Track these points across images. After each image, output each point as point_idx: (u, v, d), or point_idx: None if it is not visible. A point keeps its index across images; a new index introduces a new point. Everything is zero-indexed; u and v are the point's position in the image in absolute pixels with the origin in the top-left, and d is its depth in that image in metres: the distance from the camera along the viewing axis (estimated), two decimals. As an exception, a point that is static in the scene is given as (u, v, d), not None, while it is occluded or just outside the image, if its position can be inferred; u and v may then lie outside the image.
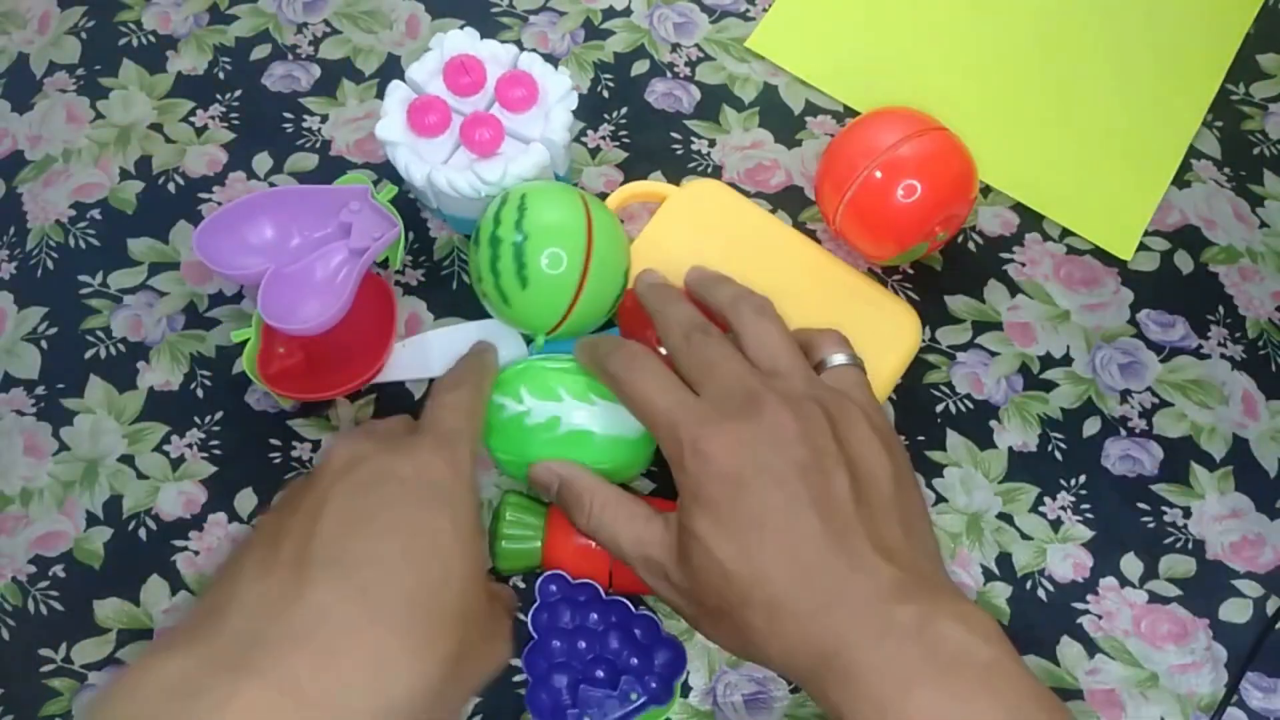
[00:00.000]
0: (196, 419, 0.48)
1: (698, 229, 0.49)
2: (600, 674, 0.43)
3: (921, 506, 0.38)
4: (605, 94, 0.55)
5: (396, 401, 0.48)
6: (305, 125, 0.54)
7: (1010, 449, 0.49)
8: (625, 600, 0.44)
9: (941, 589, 0.35)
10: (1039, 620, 0.46)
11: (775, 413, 0.36)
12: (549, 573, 0.43)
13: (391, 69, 0.55)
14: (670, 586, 0.37)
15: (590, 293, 0.44)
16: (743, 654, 0.37)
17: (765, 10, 0.57)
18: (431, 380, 0.48)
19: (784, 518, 0.34)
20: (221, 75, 0.55)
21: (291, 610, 0.30)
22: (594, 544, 0.42)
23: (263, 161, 0.53)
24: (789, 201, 0.52)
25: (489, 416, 0.42)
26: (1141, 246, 0.52)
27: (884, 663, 0.32)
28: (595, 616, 0.43)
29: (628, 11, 0.56)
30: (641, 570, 0.38)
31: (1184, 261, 0.52)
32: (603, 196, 0.51)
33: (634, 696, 0.42)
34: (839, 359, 0.41)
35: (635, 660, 0.43)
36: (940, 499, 0.48)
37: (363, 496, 0.34)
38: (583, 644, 0.43)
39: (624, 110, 0.54)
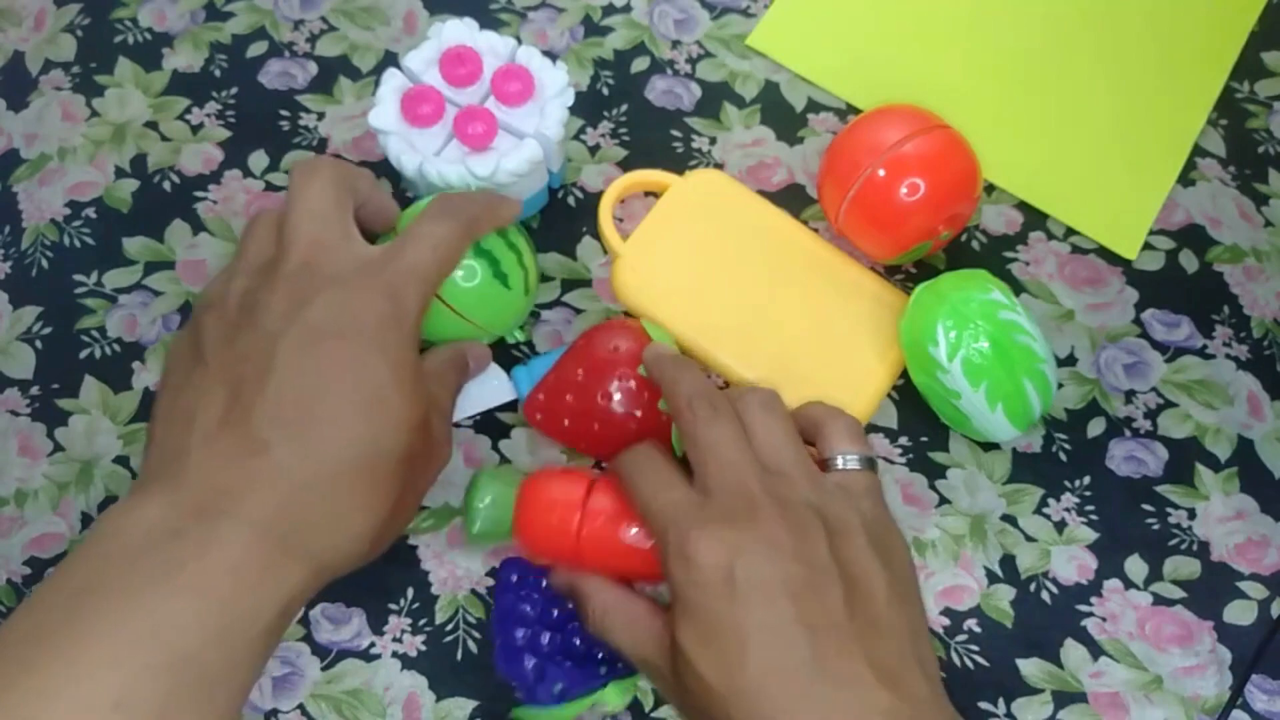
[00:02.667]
0: (192, 419, 0.48)
1: (699, 220, 0.49)
2: (569, 664, 0.42)
3: (921, 623, 0.36)
4: (605, 91, 0.54)
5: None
6: (302, 123, 0.53)
7: (1014, 450, 0.48)
8: None
9: (942, 715, 0.34)
10: (1043, 622, 0.46)
11: (770, 522, 0.34)
12: (511, 557, 0.43)
13: (389, 66, 0.54)
14: (666, 688, 0.36)
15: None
16: None
17: (766, 7, 0.56)
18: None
19: (770, 635, 0.33)
20: (217, 72, 0.54)
21: (252, 465, 0.34)
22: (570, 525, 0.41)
23: (259, 160, 0.52)
24: (790, 200, 0.52)
25: None
26: (1146, 245, 0.52)
27: None
28: (555, 611, 0.42)
29: (628, 8, 0.56)
30: (642, 670, 0.38)
31: (1189, 261, 0.52)
32: (601, 194, 0.51)
33: (604, 670, 0.41)
34: (850, 460, 0.38)
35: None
36: (943, 501, 0.47)
37: (311, 349, 0.35)
38: (546, 634, 0.42)
39: (624, 107, 0.54)
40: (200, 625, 0.31)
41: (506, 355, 0.49)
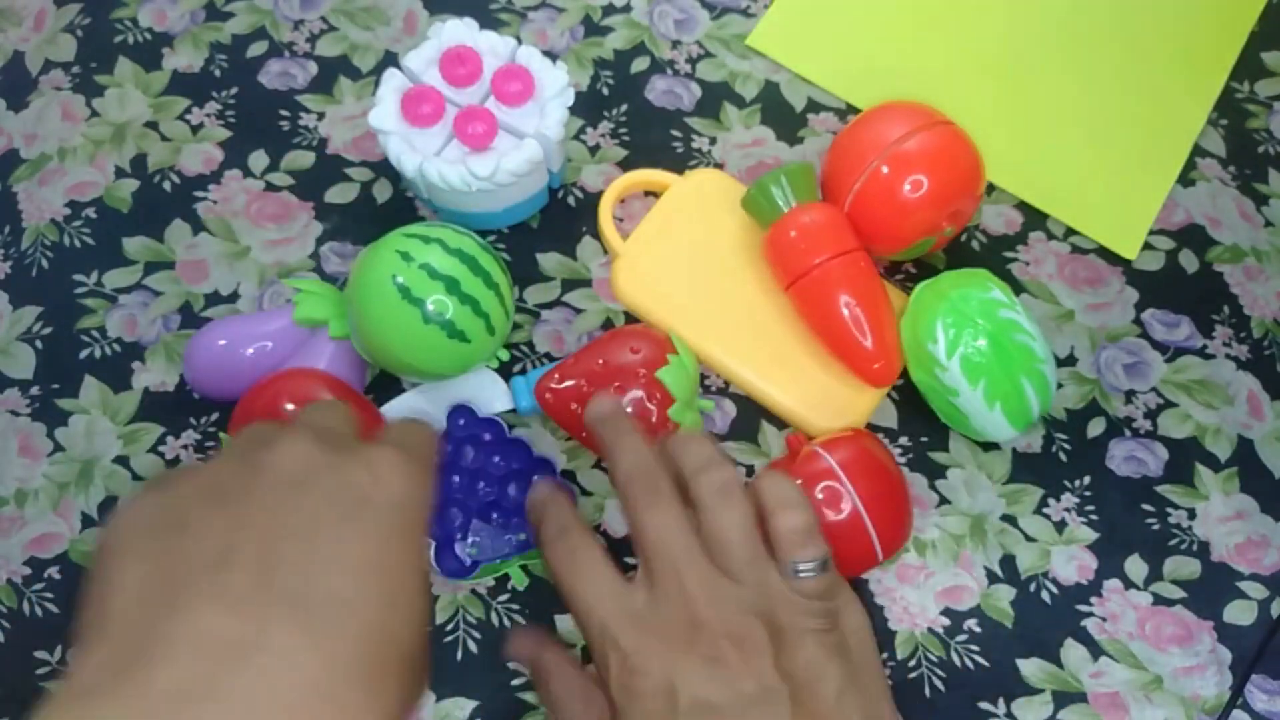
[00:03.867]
0: (192, 420, 0.48)
1: (699, 219, 0.49)
2: (495, 516, 0.43)
3: (879, 697, 0.36)
4: (605, 91, 0.54)
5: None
6: (302, 123, 0.53)
7: (1014, 450, 0.48)
8: (526, 442, 0.45)
9: None
10: (1043, 622, 0.46)
11: (713, 642, 0.33)
12: (459, 404, 0.43)
13: (389, 66, 0.54)
14: None
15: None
16: None
17: (766, 7, 0.56)
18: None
19: None
20: (217, 72, 0.54)
21: (250, 658, 0.26)
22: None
23: (259, 159, 0.52)
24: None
25: None
26: (1146, 245, 0.52)
27: None
28: (498, 459, 0.43)
29: (628, 8, 0.56)
30: None
31: (1189, 260, 0.52)
32: (601, 194, 0.51)
33: (523, 537, 0.42)
34: (804, 570, 0.35)
35: None
36: (944, 501, 0.47)
37: (325, 518, 0.29)
38: (482, 484, 0.42)
39: (624, 107, 0.54)
40: None
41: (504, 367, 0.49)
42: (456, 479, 0.43)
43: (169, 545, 0.28)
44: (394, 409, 0.46)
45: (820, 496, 0.42)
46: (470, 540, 0.42)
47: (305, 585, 0.27)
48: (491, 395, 0.46)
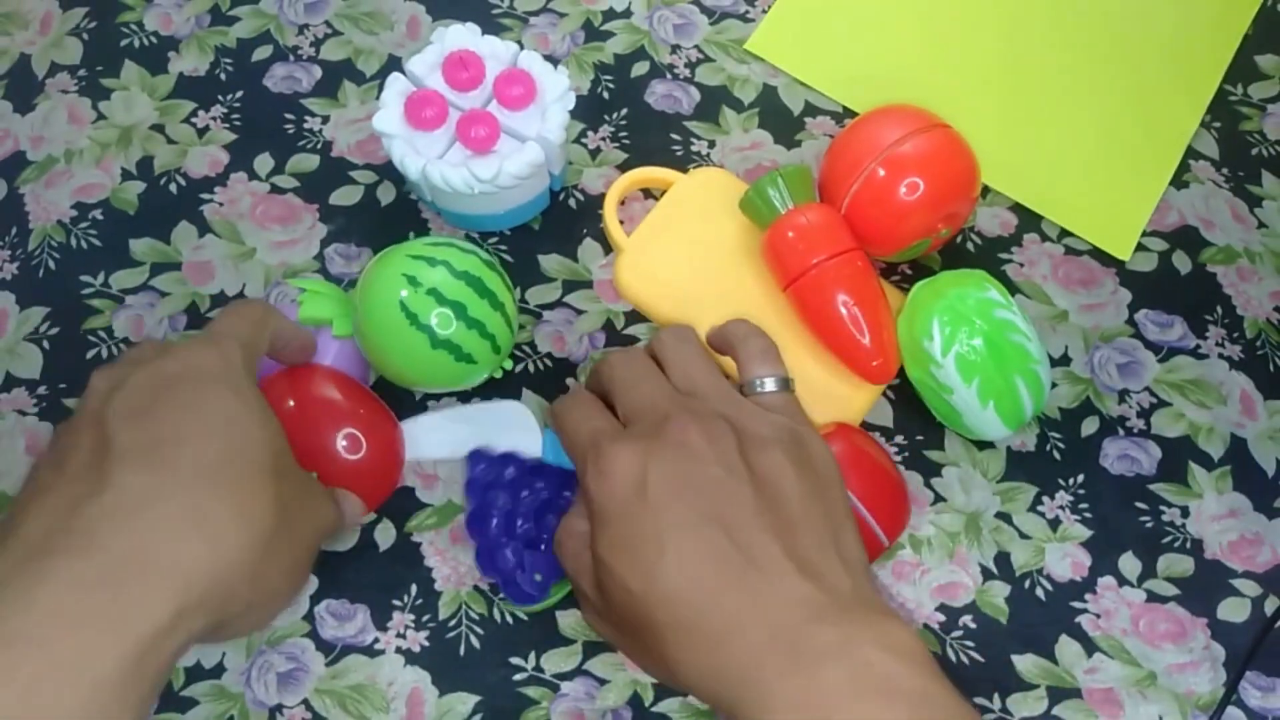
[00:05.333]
0: (198, 418, 0.48)
1: (701, 217, 0.50)
2: (543, 545, 0.43)
3: (844, 520, 0.36)
4: (605, 95, 0.55)
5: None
6: (306, 126, 0.54)
7: (1009, 448, 0.49)
8: (548, 462, 0.44)
9: (867, 607, 0.33)
10: (1037, 619, 0.46)
11: (681, 429, 0.35)
12: (475, 450, 0.44)
13: (392, 70, 0.55)
14: (596, 613, 0.37)
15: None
16: (666, 681, 0.36)
17: (765, 12, 0.57)
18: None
19: (684, 533, 0.33)
20: (223, 76, 0.55)
21: (96, 497, 0.30)
22: None
23: (264, 162, 0.53)
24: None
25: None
26: (1140, 247, 0.52)
27: (800, 693, 0.30)
28: (526, 494, 0.43)
29: (628, 13, 0.57)
30: (579, 598, 0.38)
31: (1182, 262, 0.52)
32: (602, 196, 0.51)
33: None
34: (766, 383, 0.39)
35: None
36: (939, 498, 0.48)
37: (143, 396, 0.33)
38: (520, 522, 0.43)
39: (624, 111, 0.54)
40: (25, 678, 0.27)
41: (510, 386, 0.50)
42: (495, 522, 0.43)
43: (46, 463, 0.33)
44: (419, 425, 0.45)
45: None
46: (530, 572, 0.42)
47: (135, 438, 0.31)
48: (521, 433, 0.45)
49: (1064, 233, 0.53)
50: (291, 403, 0.42)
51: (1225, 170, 0.54)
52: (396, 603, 0.46)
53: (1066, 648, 0.46)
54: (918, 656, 0.31)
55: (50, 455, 0.33)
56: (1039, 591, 0.47)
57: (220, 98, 0.54)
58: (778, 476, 0.35)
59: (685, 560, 0.33)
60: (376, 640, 0.45)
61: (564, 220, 0.52)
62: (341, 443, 0.42)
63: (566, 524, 0.38)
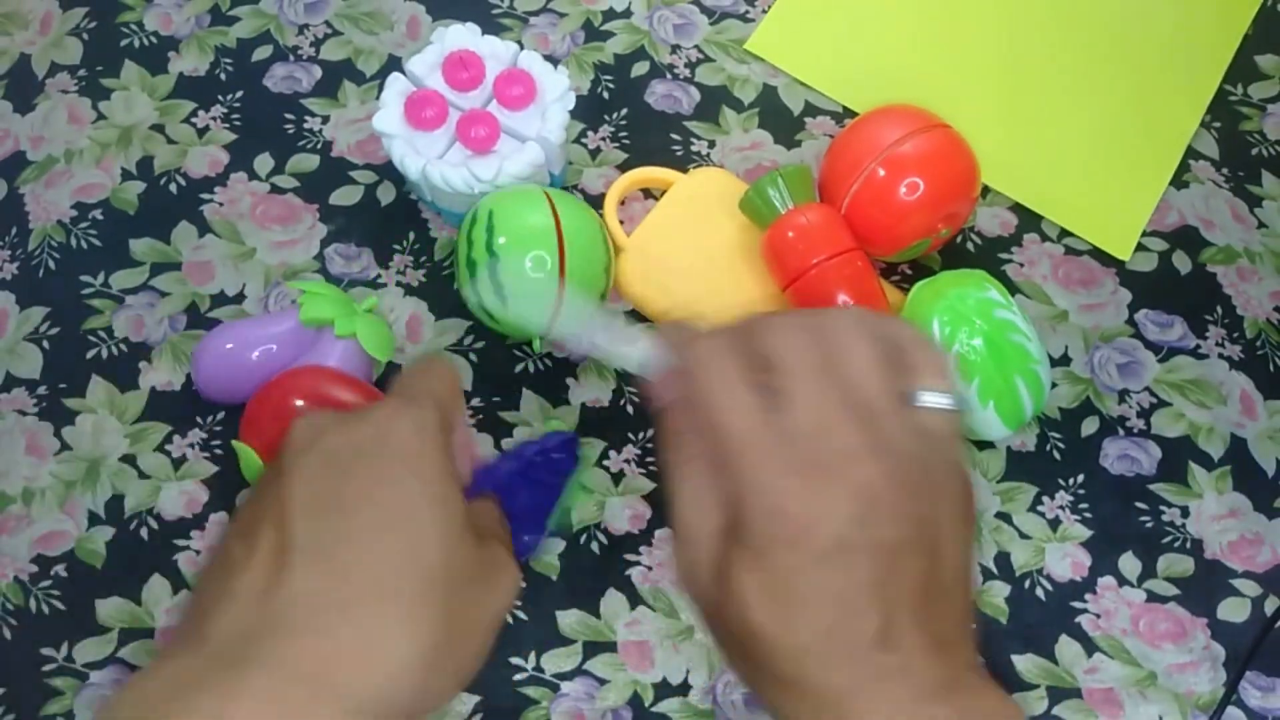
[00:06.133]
0: (198, 419, 0.49)
1: (702, 216, 0.50)
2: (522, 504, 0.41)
3: (973, 585, 0.34)
4: (605, 95, 0.55)
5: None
6: (306, 126, 0.54)
7: (1009, 448, 0.49)
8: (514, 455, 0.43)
9: (982, 680, 0.32)
10: (1037, 619, 0.46)
11: (865, 477, 0.30)
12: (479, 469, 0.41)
13: (392, 70, 0.55)
14: (696, 587, 0.34)
15: (572, 292, 0.44)
16: (749, 687, 0.34)
17: (765, 12, 0.57)
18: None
19: (844, 604, 0.30)
20: (223, 76, 0.55)
21: (275, 600, 0.30)
22: None
23: (264, 162, 0.53)
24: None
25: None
26: (1140, 247, 0.52)
27: None
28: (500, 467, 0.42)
29: (628, 13, 0.57)
30: (674, 542, 0.34)
31: (1182, 262, 0.52)
32: (602, 196, 0.51)
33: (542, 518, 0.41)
34: (940, 400, 0.32)
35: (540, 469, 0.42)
36: (939, 498, 0.48)
37: (328, 472, 0.32)
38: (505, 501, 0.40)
39: (624, 111, 0.54)
40: None
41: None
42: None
43: (238, 530, 0.33)
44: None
45: None
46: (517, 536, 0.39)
47: (313, 532, 0.31)
48: (631, 351, 0.38)
49: (1064, 233, 0.53)
50: (300, 402, 0.42)
51: (1225, 170, 0.54)
52: (396, 603, 0.46)
53: (1066, 648, 0.46)
54: None
55: (244, 512, 0.33)
56: (1039, 591, 0.47)
57: (220, 98, 0.54)
58: (947, 540, 0.32)
59: (834, 629, 0.30)
60: (376, 640, 0.45)
61: (564, 220, 0.52)
62: None
63: (692, 501, 0.33)
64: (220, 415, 0.49)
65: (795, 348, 0.32)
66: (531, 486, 0.42)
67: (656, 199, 0.52)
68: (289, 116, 0.54)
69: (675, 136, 0.54)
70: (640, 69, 0.55)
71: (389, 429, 0.33)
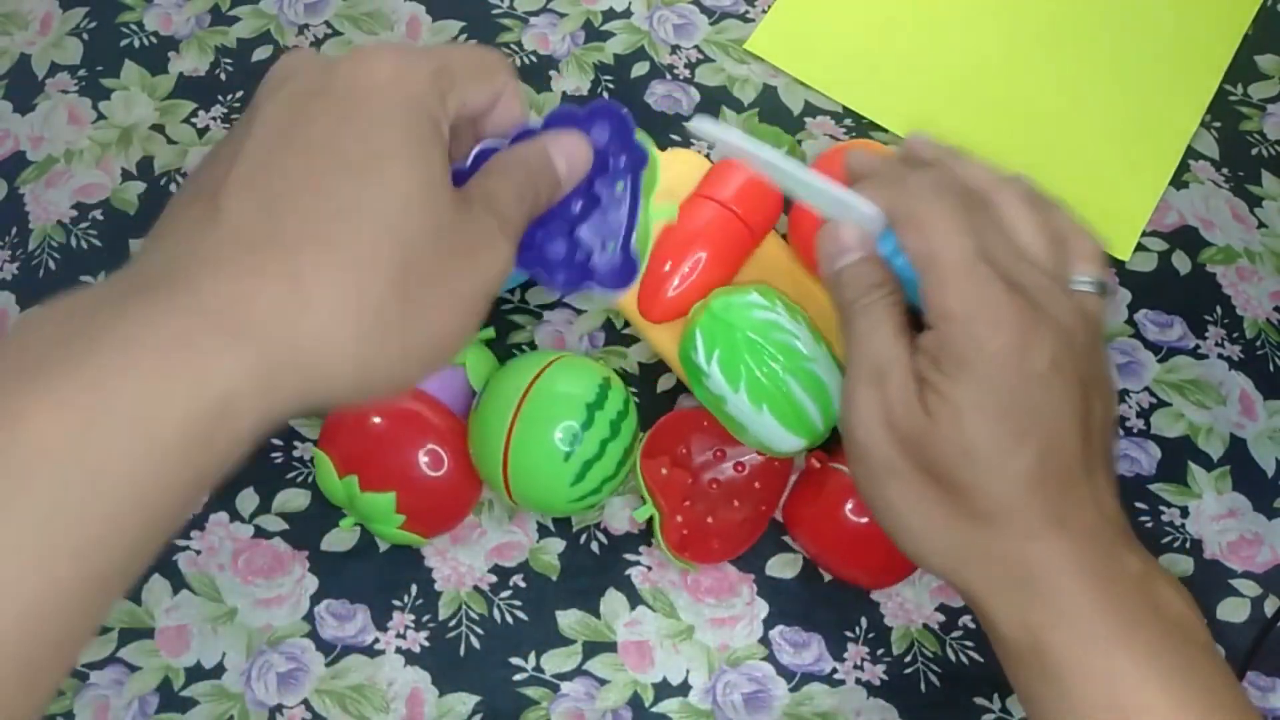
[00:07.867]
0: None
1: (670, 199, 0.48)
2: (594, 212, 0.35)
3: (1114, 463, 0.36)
4: (605, 95, 0.55)
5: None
6: (306, 126, 0.54)
7: (1009, 449, 0.49)
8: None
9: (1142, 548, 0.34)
10: (1037, 619, 0.46)
11: (1063, 315, 0.32)
12: (481, 147, 0.34)
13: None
14: (880, 420, 0.33)
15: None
16: (907, 533, 0.33)
17: (764, 12, 0.57)
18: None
19: (1054, 425, 0.31)
20: (223, 76, 0.55)
21: (208, 234, 0.27)
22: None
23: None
24: (787, 202, 0.52)
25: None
26: (1139, 247, 0.53)
27: (1111, 607, 0.31)
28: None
29: (628, 13, 0.57)
30: (854, 387, 0.34)
31: (1182, 262, 0.52)
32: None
33: (620, 187, 0.35)
34: (1093, 285, 0.34)
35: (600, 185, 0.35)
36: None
37: (293, 111, 0.29)
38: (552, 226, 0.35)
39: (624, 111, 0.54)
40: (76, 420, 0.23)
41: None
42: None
43: (197, 169, 0.31)
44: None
45: (849, 506, 0.43)
46: (584, 251, 0.35)
47: (260, 167, 0.28)
48: (853, 210, 0.35)
49: (1064, 233, 0.53)
50: (377, 420, 0.43)
51: (1225, 170, 0.54)
52: (396, 603, 0.46)
53: (1066, 648, 0.46)
54: (1198, 610, 0.32)
55: (202, 166, 0.31)
56: (1039, 591, 0.47)
57: (220, 98, 0.54)
58: (1110, 396, 0.34)
59: (1044, 450, 0.31)
60: (376, 640, 0.45)
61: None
62: (424, 458, 0.43)
63: (877, 334, 0.34)
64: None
65: (963, 218, 0.33)
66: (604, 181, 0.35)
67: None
68: (289, 116, 0.54)
69: (675, 137, 0.54)
70: (640, 69, 0.55)
71: (368, 69, 0.30)
